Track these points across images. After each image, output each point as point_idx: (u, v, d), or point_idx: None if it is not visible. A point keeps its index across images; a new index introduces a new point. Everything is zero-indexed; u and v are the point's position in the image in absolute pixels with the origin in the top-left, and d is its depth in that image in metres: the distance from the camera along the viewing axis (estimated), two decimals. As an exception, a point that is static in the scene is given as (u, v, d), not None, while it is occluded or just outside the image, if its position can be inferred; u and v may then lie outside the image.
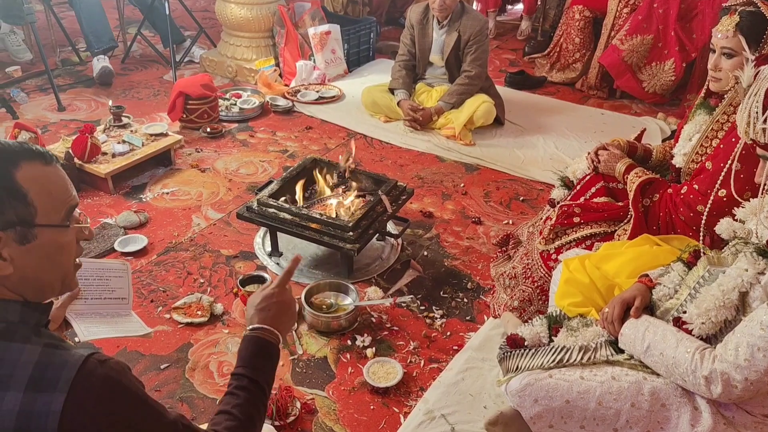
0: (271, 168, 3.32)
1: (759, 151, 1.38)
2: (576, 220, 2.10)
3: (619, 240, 2.00)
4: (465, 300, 2.43)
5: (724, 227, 1.58)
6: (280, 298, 1.26)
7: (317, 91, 4.14)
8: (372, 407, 1.97)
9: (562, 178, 2.38)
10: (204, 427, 1.13)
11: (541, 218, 2.40)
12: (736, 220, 1.58)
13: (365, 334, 2.23)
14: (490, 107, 3.60)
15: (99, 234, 2.65)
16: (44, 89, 4.06)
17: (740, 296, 1.39)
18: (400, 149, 3.54)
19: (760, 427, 1.42)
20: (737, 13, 1.77)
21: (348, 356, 2.15)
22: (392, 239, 2.71)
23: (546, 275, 2.12)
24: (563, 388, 1.50)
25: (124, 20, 4.88)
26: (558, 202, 2.28)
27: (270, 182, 2.67)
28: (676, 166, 2.05)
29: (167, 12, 4.20)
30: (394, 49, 4.26)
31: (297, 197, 2.62)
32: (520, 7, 5.68)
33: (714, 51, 1.86)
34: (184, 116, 3.60)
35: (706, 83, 1.96)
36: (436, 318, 2.33)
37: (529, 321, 1.83)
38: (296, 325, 2.26)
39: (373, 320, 2.31)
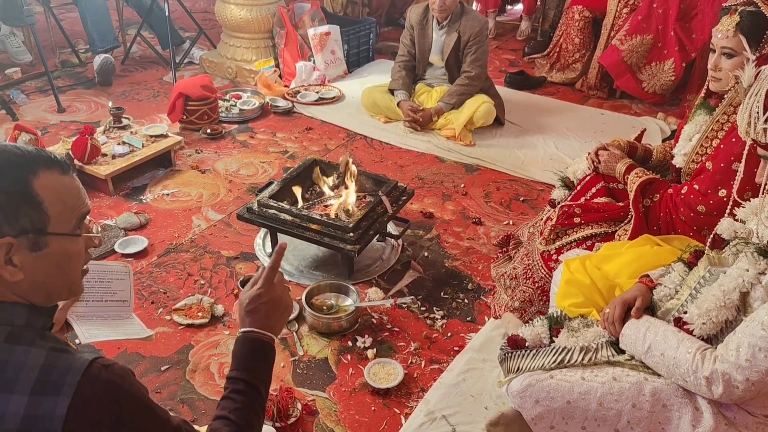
0: (271, 169, 3.32)
1: (760, 151, 1.37)
2: (576, 220, 2.10)
3: (619, 240, 2.00)
4: (465, 301, 2.43)
5: (724, 227, 1.58)
6: (269, 297, 1.20)
7: (317, 92, 4.14)
8: (373, 408, 1.97)
9: (563, 178, 2.38)
10: (203, 430, 1.13)
11: (542, 219, 2.40)
12: (737, 220, 1.57)
13: (366, 335, 2.23)
14: (490, 108, 3.60)
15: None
16: (44, 91, 4.06)
17: (741, 296, 1.39)
18: (400, 150, 3.54)
19: (762, 428, 1.42)
20: (737, 12, 1.77)
21: (349, 357, 2.15)
22: (393, 240, 2.70)
23: (547, 276, 2.12)
24: (564, 389, 1.50)
25: (124, 21, 4.88)
26: (558, 203, 2.28)
27: (270, 183, 2.67)
28: (677, 166, 2.05)
29: (167, 14, 4.20)
30: (394, 50, 4.26)
31: (297, 198, 2.62)
32: (519, 7, 5.68)
33: (714, 51, 1.85)
34: (184, 117, 3.60)
35: (706, 83, 1.96)
36: (437, 319, 2.33)
37: (530, 322, 1.83)
38: (296, 325, 2.26)
39: (374, 321, 2.31)
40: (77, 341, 1.39)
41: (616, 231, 2.04)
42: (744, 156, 1.57)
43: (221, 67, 4.45)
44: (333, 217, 2.49)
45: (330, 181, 2.70)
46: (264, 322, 1.19)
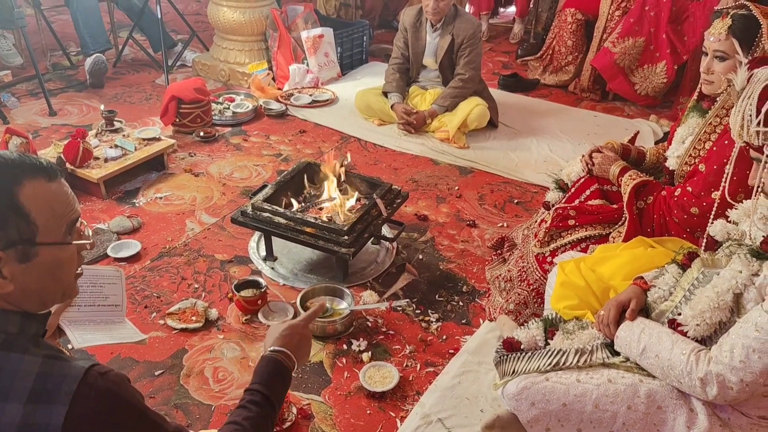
0: (265, 172, 3.31)
1: (752, 153, 1.38)
2: (571, 222, 2.11)
3: (613, 242, 2.01)
4: (460, 303, 2.43)
5: (717, 229, 1.59)
6: (304, 332, 1.34)
7: (310, 95, 4.14)
8: (368, 412, 1.97)
9: (557, 180, 2.39)
10: None
11: (536, 221, 2.40)
12: (730, 222, 1.58)
13: (361, 339, 2.22)
14: (483, 110, 3.60)
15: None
16: (35, 94, 4.04)
17: (734, 298, 1.40)
18: (395, 152, 3.54)
19: (756, 429, 1.43)
20: (729, 16, 1.78)
21: (344, 361, 2.15)
22: (387, 243, 2.70)
23: (541, 278, 2.12)
24: (560, 391, 1.50)
25: (115, 24, 4.86)
26: (553, 205, 2.28)
27: (264, 186, 2.67)
28: (670, 168, 2.06)
29: (159, 16, 4.18)
30: (388, 52, 4.26)
31: (291, 201, 2.62)
32: (512, 10, 5.70)
33: (706, 54, 1.87)
34: (177, 120, 3.59)
35: (699, 86, 1.97)
36: (432, 322, 2.33)
37: (525, 324, 1.83)
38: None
39: (369, 324, 2.30)
40: (70, 346, 1.38)
41: (611, 233, 2.05)
42: (734, 158, 1.58)
43: (214, 70, 4.44)
44: (327, 220, 2.49)
45: (327, 183, 2.69)
46: (294, 348, 1.30)
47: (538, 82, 4.54)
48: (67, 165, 2.92)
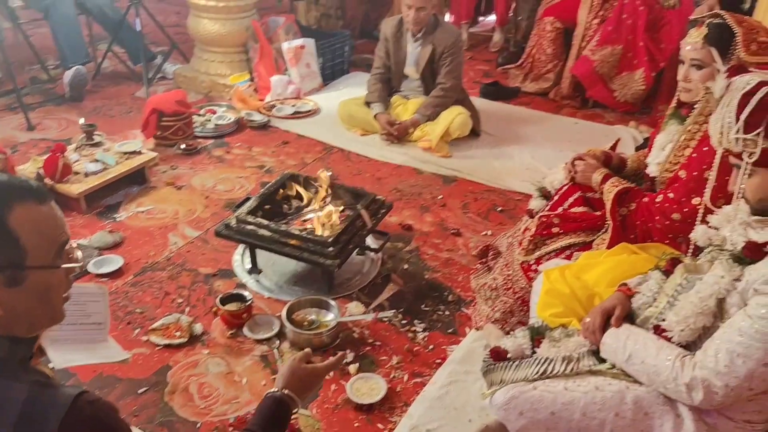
0: (248, 184, 3.29)
1: (732, 159, 1.40)
2: (555, 230, 2.12)
3: (597, 249, 2.02)
4: (446, 312, 2.43)
5: (699, 234, 1.61)
6: (317, 382, 1.42)
7: (293, 106, 4.13)
8: (356, 425, 1.96)
9: (540, 188, 2.40)
10: None
11: (520, 229, 2.41)
12: (711, 228, 1.60)
13: (348, 350, 2.21)
14: (465, 119, 3.62)
15: (73, 255, 2.60)
16: (13, 108, 3.98)
17: (718, 303, 1.41)
18: (378, 162, 3.54)
19: (741, 433, 1.44)
20: (705, 24, 1.81)
21: (331, 373, 2.13)
22: (372, 253, 2.70)
23: (527, 286, 2.13)
24: (548, 400, 1.51)
25: (94, 36, 4.82)
26: (536, 213, 2.29)
27: (248, 199, 2.65)
28: (651, 175, 2.08)
29: (139, 29, 4.15)
30: (369, 62, 4.26)
31: (276, 213, 2.60)
32: (492, 18, 5.74)
33: (684, 62, 1.89)
34: (158, 133, 3.56)
35: (677, 94, 2.00)
36: (418, 332, 2.32)
37: (512, 333, 1.83)
38: (277, 341, 2.24)
39: (355, 336, 2.29)
40: (51, 365, 1.36)
41: (594, 240, 2.06)
42: (716, 164, 1.60)
43: (195, 82, 4.42)
44: (312, 231, 2.48)
45: (310, 195, 2.69)
46: (302, 394, 1.35)
47: (518, 90, 4.57)
48: (47, 180, 2.88)
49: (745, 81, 1.32)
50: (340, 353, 1.52)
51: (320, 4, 5.05)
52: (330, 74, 4.61)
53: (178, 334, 2.24)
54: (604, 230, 2.05)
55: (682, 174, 1.91)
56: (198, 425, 1.93)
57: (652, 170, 2.07)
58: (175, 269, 2.61)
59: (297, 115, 4.04)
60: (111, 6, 4.55)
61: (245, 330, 2.28)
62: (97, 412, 0.92)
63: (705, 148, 1.84)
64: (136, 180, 3.19)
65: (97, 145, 3.22)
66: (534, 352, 1.71)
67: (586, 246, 2.06)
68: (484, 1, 5.63)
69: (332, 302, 2.35)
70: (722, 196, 1.71)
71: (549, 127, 4.02)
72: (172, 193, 3.17)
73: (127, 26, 4.43)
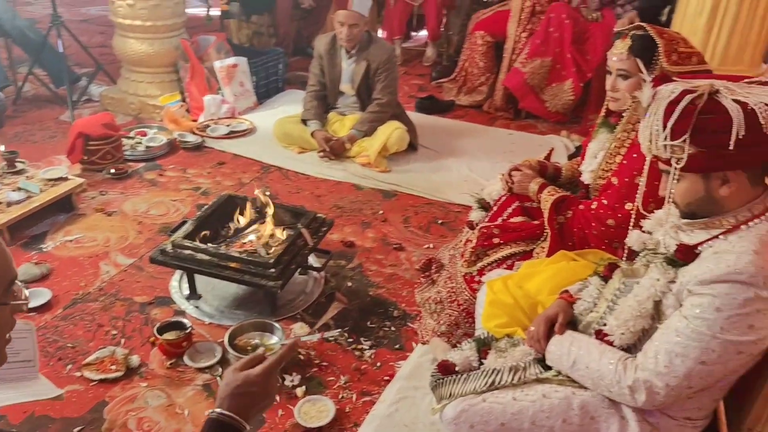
0: (183, 207, 3.19)
1: (661, 165, 1.44)
2: (496, 240, 2.14)
3: (537, 258, 2.05)
4: (392, 328, 2.41)
5: (633, 239, 1.65)
6: (262, 388, 1.11)
7: (227, 125, 4.05)
8: (306, 450, 1.91)
9: (479, 200, 2.43)
10: None
11: (462, 240, 2.43)
12: (645, 232, 1.65)
13: (294, 373, 2.16)
14: (402, 133, 3.64)
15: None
16: (-75, 136, 3.75)
17: (654, 305, 1.44)
18: (317, 179, 3.51)
19: (682, 429, 1.48)
20: (629, 36, 1.88)
21: (277, 398, 2.07)
22: (315, 272, 2.66)
23: (471, 298, 2.14)
24: (497, 411, 1.51)
25: (14, 60, 4.60)
26: (476, 224, 2.31)
27: (184, 222, 2.57)
28: (585, 182, 2.14)
29: (61, 50, 3.99)
30: (304, 80, 4.24)
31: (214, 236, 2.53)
32: (424, 33, 5.82)
33: (611, 73, 1.95)
34: (85, 158, 3.42)
35: (606, 103, 2.06)
36: (365, 349, 2.30)
37: (458, 345, 1.83)
38: (220, 369, 2.16)
39: (301, 357, 2.24)
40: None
41: (534, 249, 2.09)
42: (646, 171, 1.65)
43: (123, 104, 4.27)
44: (252, 253, 2.42)
45: (247, 216, 2.62)
46: (245, 411, 1.09)
47: (453, 103, 4.64)
48: (-36, 212, 2.71)
49: (669, 90, 1.36)
50: (290, 340, 1.23)
51: (252, 21, 5.00)
52: (265, 92, 4.56)
53: (113, 367, 2.13)
54: (543, 239, 2.09)
55: (615, 180, 1.97)
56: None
57: (585, 178, 2.13)
58: (108, 299, 2.50)
59: (232, 134, 3.96)
60: (32, 27, 4.37)
61: (185, 359, 2.20)
62: None
63: (635, 155, 1.90)
64: (63, 208, 3.05)
65: (20, 172, 3.08)
66: (481, 364, 1.72)
67: (527, 255, 2.09)
68: (415, 17, 5.71)
69: (276, 324, 2.30)
70: (653, 201, 1.76)
71: (484, 138, 4.10)
72: (102, 220, 3.04)
73: (49, 48, 4.25)
